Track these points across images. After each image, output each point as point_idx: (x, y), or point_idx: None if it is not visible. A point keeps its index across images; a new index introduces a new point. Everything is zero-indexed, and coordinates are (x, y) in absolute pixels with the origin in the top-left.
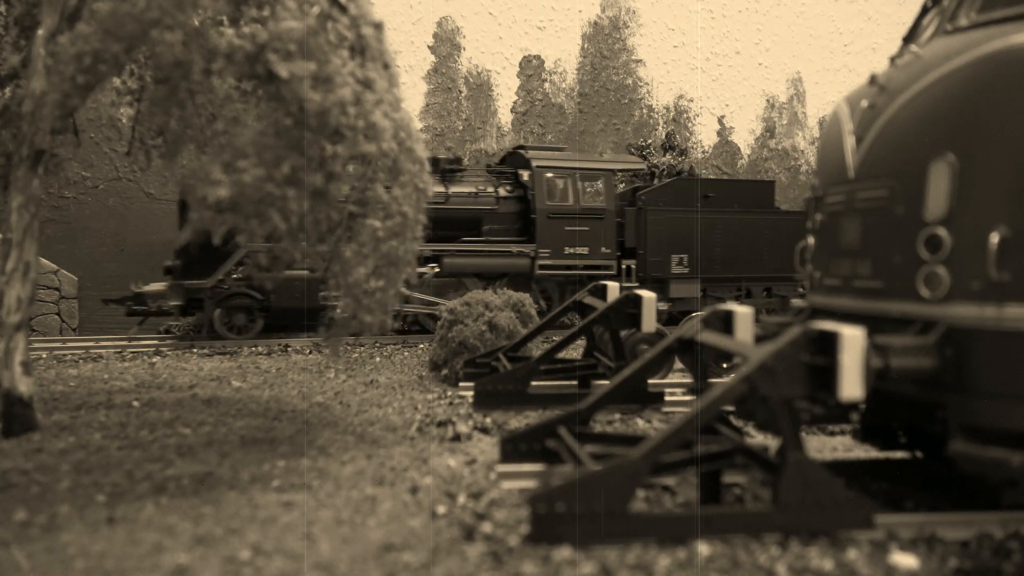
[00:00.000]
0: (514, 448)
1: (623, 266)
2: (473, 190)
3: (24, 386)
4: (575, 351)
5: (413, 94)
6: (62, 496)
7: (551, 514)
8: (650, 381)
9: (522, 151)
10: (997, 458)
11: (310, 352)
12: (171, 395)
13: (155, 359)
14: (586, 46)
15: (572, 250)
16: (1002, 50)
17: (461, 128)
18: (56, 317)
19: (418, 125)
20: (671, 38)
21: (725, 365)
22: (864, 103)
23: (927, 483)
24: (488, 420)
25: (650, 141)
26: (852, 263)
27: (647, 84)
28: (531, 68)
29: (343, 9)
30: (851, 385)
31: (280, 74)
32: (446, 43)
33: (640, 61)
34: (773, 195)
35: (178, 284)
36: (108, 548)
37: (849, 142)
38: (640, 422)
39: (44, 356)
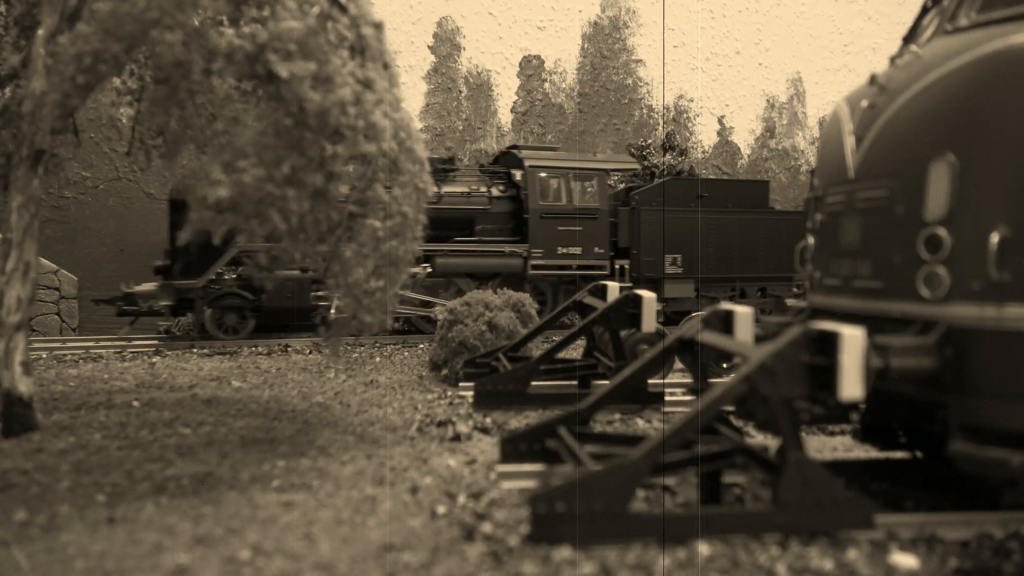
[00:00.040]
0: (514, 448)
1: (616, 266)
2: (466, 190)
3: (24, 386)
4: (575, 351)
5: (413, 94)
6: (62, 496)
7: (551, 514)
8: (650, 381)
9: (515, 151)
10: (997, 458)
11: (310, 352)
12: (171, 395)
13: (155, 359)
14: (586, 46)
15: (565, 250)
16: (1002, 50)
17: (461, 128)
18: (56, 317)
19: (418, 125)
20: (671, 38)
21: (725, 365)
22: (864, 103)
23: (927, 483)
24: (488, 420)
25: (650, 141)
26: (852, 263)
27: (647, 84)
28: (531, 68)
29: (343, 9)
30: (851, 385)
31: (280, 74)
32: (446, 43)
33: (640, 61)
34: (768, 195)
35: (168, 284)
36: (108, 548)
37: (849, 142)
38: (640, 422)
39: (44, 356)
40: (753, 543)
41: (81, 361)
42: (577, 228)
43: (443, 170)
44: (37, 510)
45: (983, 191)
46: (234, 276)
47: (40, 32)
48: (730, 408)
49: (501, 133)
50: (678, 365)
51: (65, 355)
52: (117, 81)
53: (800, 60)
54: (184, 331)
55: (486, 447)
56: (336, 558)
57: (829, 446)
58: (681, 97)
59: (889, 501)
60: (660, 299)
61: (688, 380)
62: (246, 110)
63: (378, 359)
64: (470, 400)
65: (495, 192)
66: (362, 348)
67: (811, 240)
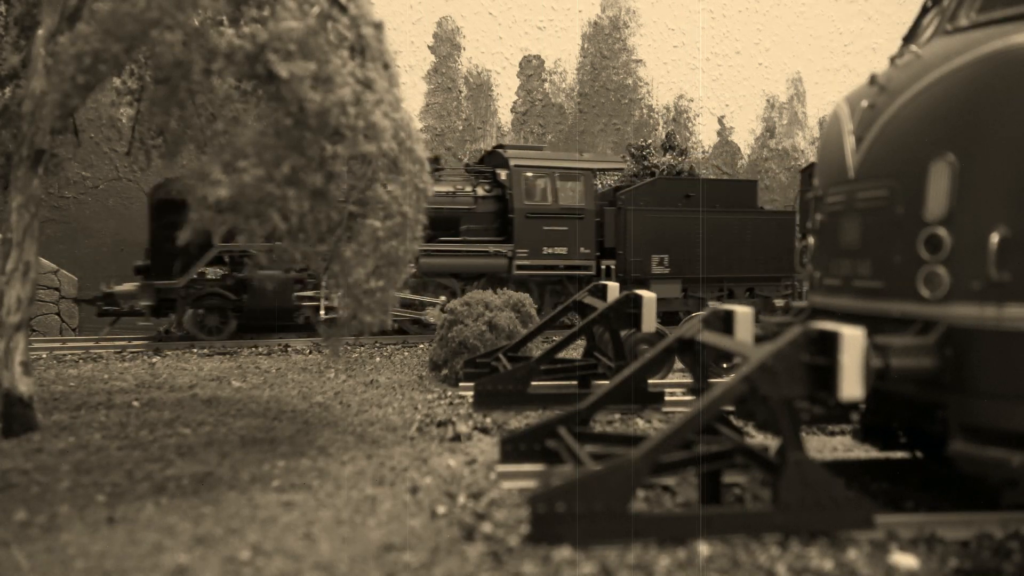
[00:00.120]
0: (514, 448)
1: (603, 266)
2: (451, 189)
3: (24, 386)
4: (575, 351)
5: (413, 94)
6: (62, 496)
7: (551, 514)
8: (650, 381)
9: (501, 150)
10: (997, 458)
11: (310, 352)
12: (171, 395)
13: (155, 359)
14: (586, 46)
15: (550, 250)
16: (1002, 50)
17: (461, 128)
18: (56, 317)
19: (418, 125)
20: (671, 38)
21: (725, 365)
22: (864, 103)
23: (927, 483)
24: (488, 420)
25: (650, 141)
26: (852, 263)
27: (647, 84)
28: (531, 68)
29: (343, 9)
30: (851, 385)
31: (280, 74)
32: (446, 43)
33: (640, 61)
34: (756, 195)
35: (148, 284)
36: (108, 548)
37: (849, 142)
38: (640, 422)
39: (44, 356)
40: (753, 543)
41: (81, 361)
42: (563, 228)
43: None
44: (37, 510)
45: (983, 191)
46: (216, 276)
47: (40, 32)
48: (730, 408)
49: (501, 133)
50: (678, 365)
51: (65, 355)
52: (117, 81)
53: (800, 60)
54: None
55: (486, 447)
56: (336, 558)
57: (829, 446)
58: (681, 97)
59: (889, 501)
60: None
61: (688, 380)
62: (246, 110)
63: (378, 359)
64: (470, 400)
65: (480, 192)
66: (362, 348)
67: (811, 240)
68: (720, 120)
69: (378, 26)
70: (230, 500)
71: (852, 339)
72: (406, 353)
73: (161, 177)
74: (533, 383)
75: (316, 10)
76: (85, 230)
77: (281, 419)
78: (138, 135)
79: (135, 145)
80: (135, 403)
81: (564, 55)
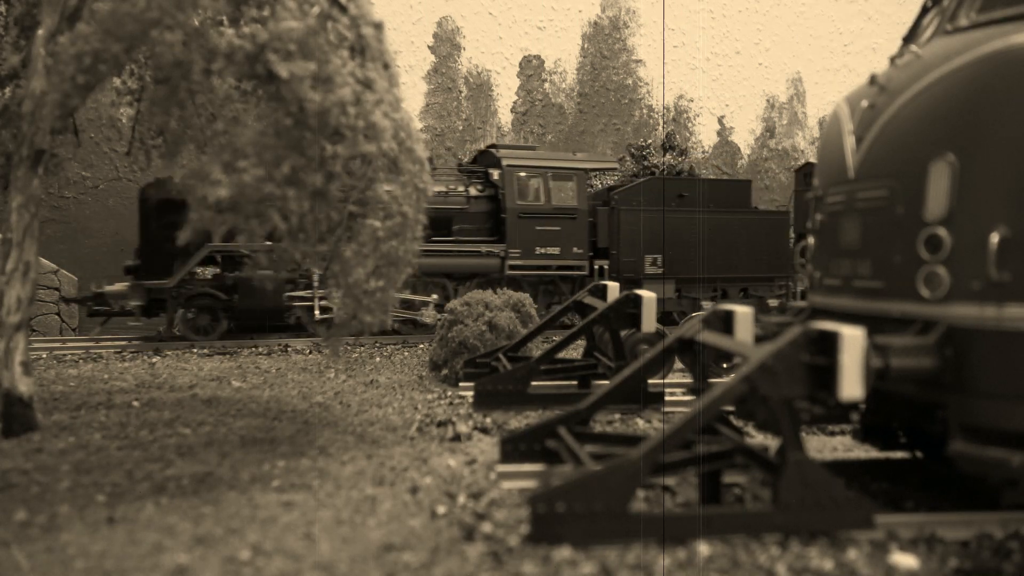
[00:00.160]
0: (514, 448)
1: (596, 266)
2: (443, 189)
3: (24, 386)
4: (575, 351)
5: (413, 94)
6: (62, 496)
7: (551, 514)
8: (650, 381)
9: (493, 150)
10: (997, 458)
11: (310, 352)
12: (171, 395)
13: (155, 359)
14: (586, 46)
15: (543, 250)
16: (1002, 50)
17: (461, 128)
18: (56, 317)
19: (418, 125)
20: (671, 38)
21: (725, 365)
22: (864, 103)
23: (927, 483)
24: (488, 420)
25: (650, 141)
26: (852, 263)
27: (647, 84)
28: (531, 68)
29: (343, 9)
30: (851, 385)
31: (280, 74)
32: (446, 43)
33: (640, 61)
34: (750, 194)
35: (139, 284)
36: (108, 548)
37: (849, 142)
38: (640, 422)
39: (44, 356)
40: (753, 543)
41: (81, 361)
42: (556, 228)
43: None
44: (37, 510)
45: (983, 191)
46: (207, 276)
47: (40, 32)
48: (730, 408)
49: (501, 133)
50: (678, 365)
51: (65, 355)
52: (117, 81)
53: (800, 60)
54: (164, 330)
55: (486, 447)
56: (336, 558)
57: (829, 446)
58: (681, 97)
59: (889, 501)
60: None
61: (688, 380)
62: (246, 110)
63: (378, 359)
64: (470, 400)
65: (473, 192)
66: (362, 348)
67: (811, 240)
68: (720, 120)
69: (378, 26)
70: (230, 500)
71: (852, 339)
72: (406, 353)
73: (152, 176)
74: (533, 383)
75: (316, 10)
76: (85, 230)
77: (281, 419)
78: (138, 135)
79: (135, 145)
80: (135, 403)
81: (564, 55)
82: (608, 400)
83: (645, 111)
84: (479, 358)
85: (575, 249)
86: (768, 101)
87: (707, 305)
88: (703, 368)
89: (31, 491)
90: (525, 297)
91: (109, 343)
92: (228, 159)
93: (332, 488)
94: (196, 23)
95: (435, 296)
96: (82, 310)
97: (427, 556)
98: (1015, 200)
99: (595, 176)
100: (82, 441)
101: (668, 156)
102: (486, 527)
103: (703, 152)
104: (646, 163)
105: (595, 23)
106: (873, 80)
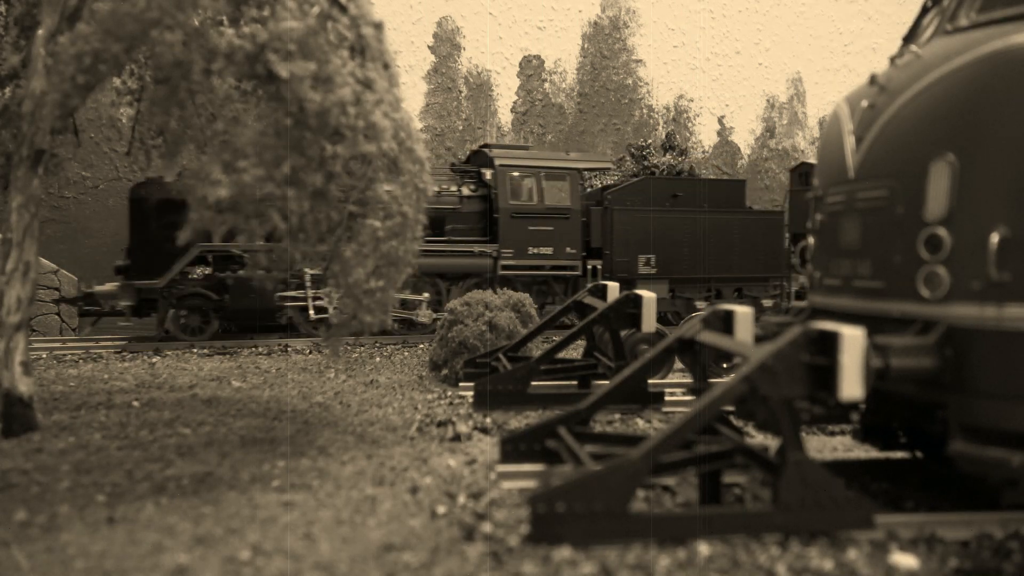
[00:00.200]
0: (514, 448)
1: (589, 266)
2: (436, 189)
3: (24, 386)
4: (575, 351)
5: (413, 94)
6: (62, 496)
7: (551, 514)
8: (650, 381)
9: (486, 149)
10: (997, 458)
11: (310, 352)
12: (171, 395)
13: (155, 359)
14: (586, 46)
15: (536, 250)
16: (1002, 50)
17: (461, 128)
18: (56, 317)
19: (418, 125)
20: (671, 38)
21: (725, 365)
22: (864, 103)
23: (927, 483)
24: (488, 420)
25: (650, 141)
26: (852, 263)
27: (647, 84)
28: (531, 68)
29: (343, 9)
30: (851, 385)
31: (280, 74)
32: (446, 43)
33: (640, 61)
34: (744, 194)
35: (129, 284)
36: (108, 548)
37: (849, 142)
38: (640, 422)
39: (44, 356)
40: (753, 543)
41: (81, 361)
42: (548, 228)
43: None
44: (37, 510)
45: (983, 191)
46: (198, 276)
47: (40, 32)
48: (730, 408)
49: (501, 133)
50: (678, 365)
51: (65, 355)
52: (117, 81)
53: (800, 60)
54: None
55: (486, 447)
56: (336, 558)
57: (829, 446)
58: (681, 97)
59: (889, 501)
60: None
61: (688, 380)
62: (246, 110)
63: (378, 359)
64: (470, 400)
65: (465, 191)
66: (362, 348)
67: (811, 240)
68: (720, 120)
69: (378, 26)
70: (230, 500)
71: (852, 339)
72: (406, 353)
73: (143, 176)
74: (533, 383)
75: (316, 10)
76: (85, 230)
77: (281, 419)
78: (138, 135)
79: (135, 145)
80: (135, 403)
81: (564, 55)
82: (608, 400)
83: (645, 111)
84: (479, 358)
85: (568, 249)
86: (768, 101)
87: (701, 305)
88: (703, 368)
89: (31, 491)
90: (525, 297)
91: (109, 343)
92: (228, 159)
93: (332, 488)
94: (196, 23)
95: (427, 295)
96: (71, 310)
97: (427, 556)
98: (1015, 200)
99: (596, 176)
100: (82, 441)
101: (668, 156)
102: (486, 527)
103: (703, 152)
104: (646, 163)
105: (595, 23)
106: (873, 80)
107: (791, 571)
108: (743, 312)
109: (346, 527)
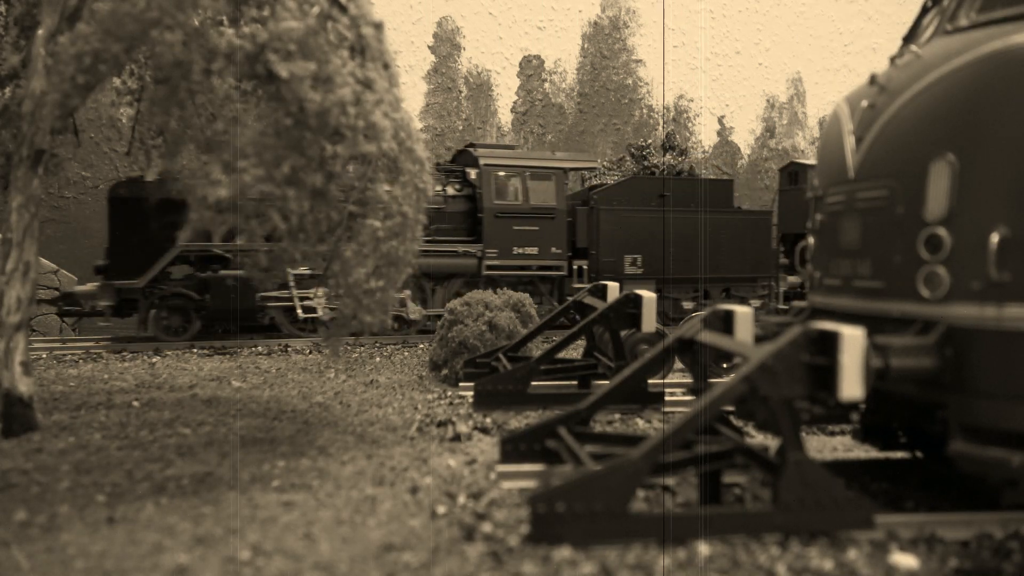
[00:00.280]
0: (514, 448)
1: (575, 267)
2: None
3: (24, 386)
4: (575, 351)
5: (413, 94)
6: (62, 496)
7: (551, 514)
8: (650, 381)
9: (471, 149)
10: (997, 458)
11: (310, 352)
12: (171, 395)
13: (155, 359)
14: (586, 46)
15: (521, 250)
16: (1002, 50)
17: (461, 128)
18: (56, 317)
19: (418, 125)
20: (671, 38)
21: (725, 365)
22: (864, 103)
23: (927, 483)
24: (488, 420)
25: (650, 141)
26: (852, 263)
27: (647, 84)
28: (531, 68)
29: (343, 9)
30: (851, 385)
31: (280, 74)
32: (446, 43)
33: (640, 61)
34: (732, 194)
35: (108, 284)
36: (108, 548)
37: (849, 142)
38: (640, 422)
39: (44, 356)
40: (753, 543)
41: (81, 361)
42: (534, 228)
43: None
44: (37, 510)
45: (983, 191)
46: (180, 276)
47: (40, 32)
48: (730, 408)
49: (501, 133)
50: (678, 365)
51: (65, 355)
52: (117, 81)
53: (800, 60)
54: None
55: (486, 447)
56: (336, 558)
57: (829, 446)
58: (681, 97)
59: (889, 501)
60: None
61: (688, 380)
62: (246, 110)
63: (378, 359)
64: (470, 400)
65: (450, 191)
66: (362, 348)
67: (811, 240)
68: (720, 120)
69: (378, 26)
70: (230, 500)
71: (852, 339)
72: (406, 353)
73: (120, 176)
74: (533, 383)
75: (316, 10)
76: (85, 230)
77: (281, 419)
78: (138, 135)
79: (135, 145)
80: (135, 403)
81: (564, 55)
82: (608, 400)
83: (645, 111)
84: (479, 358)
85: (554, 249)
86: (768, 101)
87: (688, 306)
88: (703, 368)
89: (31, 491)
90: (525, 297)
91: (108, 343)
92: (228, 159)
93: (332, 488)
94: (196, 23)
95: (407, 292)
96: (51, 309)
97: (427, 556)
98: (1015, 200)
99: (594, 176)
100: (82, 441)
101: (668, 156)
102: (486, 527)
103: (703, 152)
104: (646, 163)
105: (595, 23)
106: (873, 80)
107: (791, 571)
108: (743, 312)
109: (346, 527)
